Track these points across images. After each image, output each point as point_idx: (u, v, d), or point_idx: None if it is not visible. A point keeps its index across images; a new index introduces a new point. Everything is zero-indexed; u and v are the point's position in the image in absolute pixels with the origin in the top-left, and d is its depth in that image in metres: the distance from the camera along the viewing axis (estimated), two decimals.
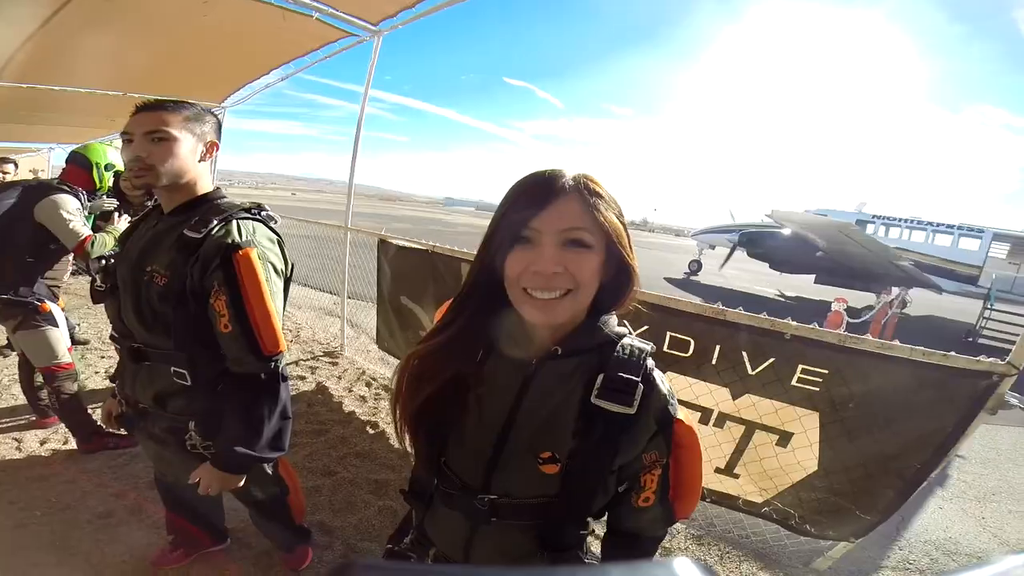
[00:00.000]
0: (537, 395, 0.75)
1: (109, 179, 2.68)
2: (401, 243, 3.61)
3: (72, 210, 2.42)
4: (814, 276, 14.06)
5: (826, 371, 1.81)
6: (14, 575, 1.74)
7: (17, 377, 2.91)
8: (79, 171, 2.57)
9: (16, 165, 4.85)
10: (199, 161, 1.28)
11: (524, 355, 0.76)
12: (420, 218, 44.86)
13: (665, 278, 15.71)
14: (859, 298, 12.30)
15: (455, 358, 0.77)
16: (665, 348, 2.07)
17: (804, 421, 1.90)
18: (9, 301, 2.41)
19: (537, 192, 0.69)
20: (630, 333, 0.81)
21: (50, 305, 2.53)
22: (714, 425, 2.09)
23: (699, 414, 2.07)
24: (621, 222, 0.73)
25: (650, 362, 0.75)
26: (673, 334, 2.06)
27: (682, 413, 0.76)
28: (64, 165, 2.66)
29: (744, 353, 1.95)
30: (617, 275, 0.74)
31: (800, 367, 1.86)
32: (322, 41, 4.05)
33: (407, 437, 0.82)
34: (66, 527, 2.03)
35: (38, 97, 5.48)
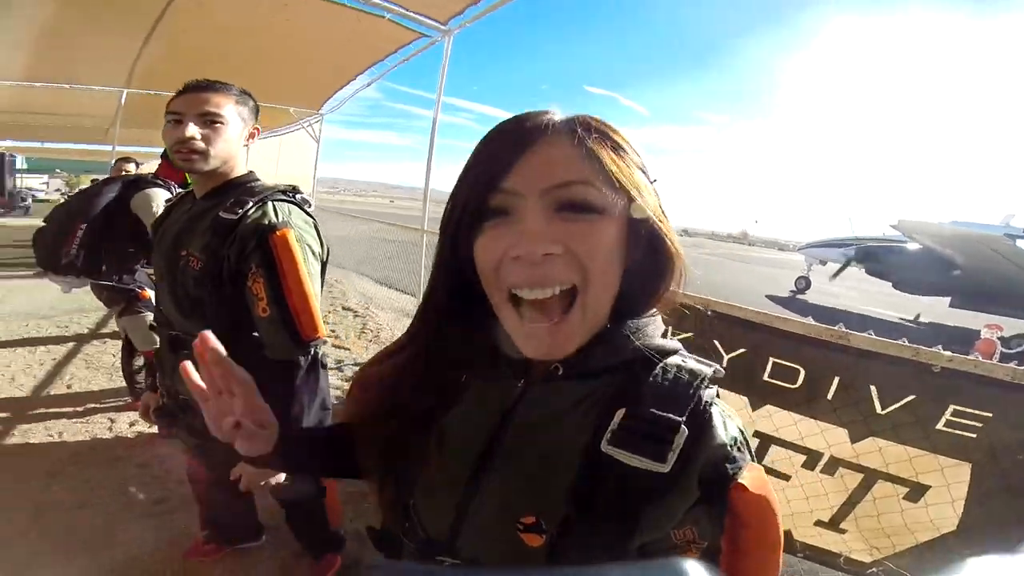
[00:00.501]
0: (521, 433, 0.51)
1: None
2: None
3: (162, 203, 2.54)
4: (949, 299, 12.16)
5: (988, 414, 1.45)
6: (56, 557, 1.81)
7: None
8: (172, 166, 2.70)
9: (137, 165, 5.46)
10: (243, 145, 1.26)
11: (507, 374, 0.53)
12: None
13: (767, 296, 14.27)
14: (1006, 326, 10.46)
15: (408, 394, 0.57)
16: (766, 377, 1.71)
17: (948, 473, 1.53)
18: (114, 288, 2.62)
19: (511, 137, 0.47)
20: (680, 350, 0.53)
21: (149, 292, 2.68)
22: (822, 471, 1.73)
23: (803, 458, 1.72)
24: (646, 177, 0.50)
25: (707, 393, 0.48)
26: (777, 360, 1.70)
27: (753, 472, 0.47)
28: (160, 160, 2.82)
29: (873, 388, 1.56)
30: (649, 257, 0.50)
31: (952, 407, 1.49)
32: (397, 43, 4.10)
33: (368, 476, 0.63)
34: (120, 510, 2.09)
35: (156, 103, 6.16)
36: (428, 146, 4.55)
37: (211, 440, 1.26)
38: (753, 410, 1.74)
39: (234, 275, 1.16)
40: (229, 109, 1.19)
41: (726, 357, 1.73)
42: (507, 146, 0.47)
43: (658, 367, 0.49)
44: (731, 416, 0.49)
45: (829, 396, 1.62)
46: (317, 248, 1.27)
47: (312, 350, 1.22)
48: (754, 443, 1.69)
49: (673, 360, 0.50)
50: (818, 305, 13.46)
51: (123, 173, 4.91)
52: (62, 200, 2.58)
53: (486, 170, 0.47)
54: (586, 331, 0.48)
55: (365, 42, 4.00)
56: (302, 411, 1.22)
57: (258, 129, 1.29)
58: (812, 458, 1.71)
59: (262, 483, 1.23)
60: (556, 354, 0.48)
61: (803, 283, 15.41)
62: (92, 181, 3.09)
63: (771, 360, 1.70)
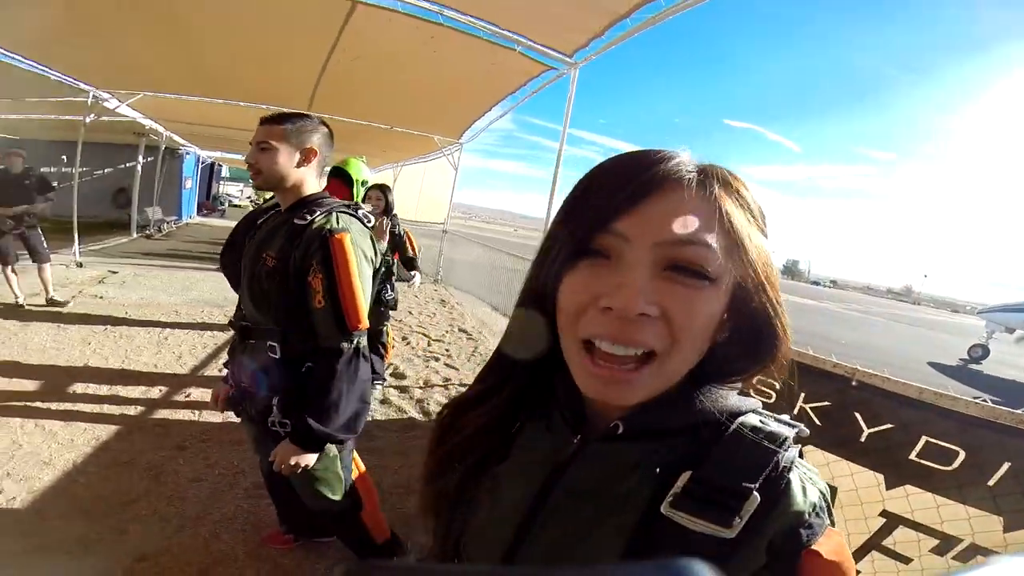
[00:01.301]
0: (572, 490, 0.48)
1: (361, 193, 3.04)
2: None
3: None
4: None
5: None
6: (158, 519, 2.01)
7: None
8: (341, 186, 2.90)
9: (391, 190, 6.46)
10: (296, 166, 1.41)
11: (569, 428, 0.50)
12: None
13: (930, 363, 12.08)
14: None
15: (489, 427, 0.54)
16: (913, 456, 1.51)
17: None
18: None
19: (632, 174, 0.42)
20: (758, 408, 0.48)
21: None
22: (954, 558, 1.50)
23: (935, 543, 1.50)
24: (767, 245, 0.46)
25: (786, 456, 0.43)
26: (932, 440, 1.49)
27: (831, 539, 0.42)
28: (327, 179, 2.90)
29: None
30: (749, 332, 0.45)
31: None
32: (526, 75, 4.36)
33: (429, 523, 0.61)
34: (225, 489, 2.26)
35: (333, 125, 7.24)
36: (551, 178, 4.70)
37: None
38: (887, 488, 1.55)
39: (298, 271, 1.34)
40: (277, 138, 1.37)
41: (867, 431, 1.56)
42: (629, 183, 0.42)
43: (732, 428, 0.45)
44: (812, 480, 0.44)
45: (991, 482, 1.41)
46: (370, 254, 1.44)
47: (355, 340, 1.36)
48: (878, 523, 1.51)
49: (749, 420, 0.46)
50: (995, 376, 11.12)
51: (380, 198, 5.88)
52: (251, 207, 3.06)
53: (599, 205, 0.43)
54: (655, 389, 0.44)
55: (499, 74, 4.30)
56: (340, 396, 1.33)
57: (313, 151, 1.43)
58: (946, 543, 1.48)
59: (294, 464, 1.34)
60: (615, 399, 0.44)
61: (979, 351, 12.77)
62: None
63: (924, 439, 1.50)
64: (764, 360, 0.47)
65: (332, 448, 1.46)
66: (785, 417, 0.47)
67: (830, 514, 0.44)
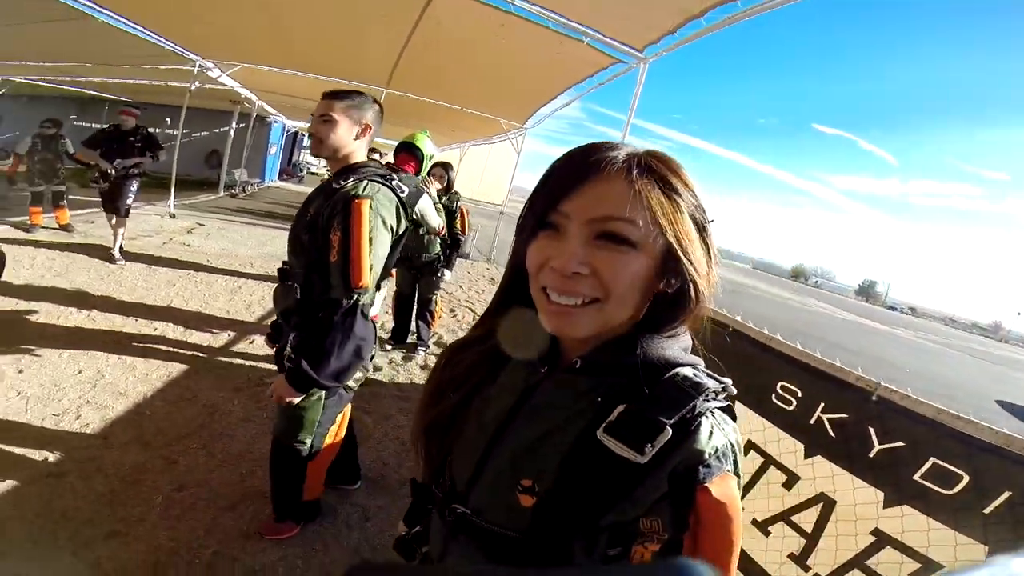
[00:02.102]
0: (535, 408, 0.60)
1: (427, 168, 3.19)
2: None
3: (431, 210, 2.98)
4: None
5: None
6: (204, 452, 2.23)
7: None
8: (411, 159, 3.07)
9: (382, 155, 6.76)
10: (355, 139, 1.55)
11: (536, 360, 0.62)
12: None
13: (999, 400, 10.98)
14: None
15: (479, 362, 0.68)
16: (917, 476, 1.48)
17: None
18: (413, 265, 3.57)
19: (576, 166, 0.54)
20: (697, 364, 0.58)
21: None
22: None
23: (917, 566, 1.46)
24: (696, 221, 0.55)
25: (707, 405, 0.53)
26: (939, 461, 1.46)
27: (725, 481, 0.51)
28: (397, 153, 3.08)
29: None
30: (676, 290, 0.56)
31: None
32: (595, 67, 4.35)
33: (421, 448, 0.73)
34: (268, 430, 2.06)
35: (406, 103, 7.51)
36: None
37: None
38: (884, 507, 1.52)
39: (325, 227, 1.48)
40: (339, 112, 1.50)
41: (877, 447, 1.53)
42: (572, 173, 0.54)
43: (668, 375, 0.54)
44: (723, 429, 0.53)
45: (987, 510, 1.38)
46: (391, 221, 1.53)
47: (355, 296, 1.46)
48: (867, 540, 1.50)
49: (684, 371, 0.55)
50: None
51: (373, 160, 6.23)
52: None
53: (552, 190, 0.55)
54: (593, 328, 0.54)
55: (566, 64, 4.33)
56: (333, 346, 1.45)
57: (368, 127, 1.56)
58: (927, 568, 1.44)
59: (281, 398, 1.49)
60: (565, 330, 0.55)
61: None
62: None
63: (932, 460, 1.47)
64: (684, 314, 0.57)
65: (318, 392, 1.57)
66: (726, 379, 0.56)
67: (735, 464, 0.53)
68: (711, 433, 0.52)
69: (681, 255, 0.53)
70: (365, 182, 1.51)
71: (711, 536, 0.51)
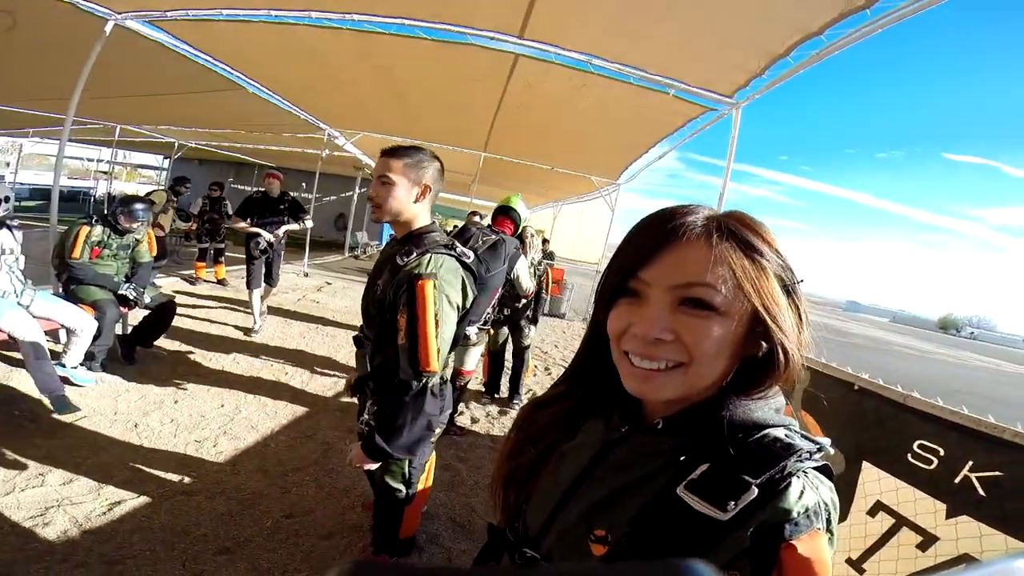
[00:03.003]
0: (613, 464, 0.61)
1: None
2: None
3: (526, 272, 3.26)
4: None
5: None
6: (315, 489, 2.52)
7: None
8: (508, 221, 3.15)
9: (481, 218, 7.18)
10: (414, 201, 1.51)
11: (620, 420, 0.63)
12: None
13: None
14: None
15: (558, 420, 0.70)
16: None
17: None
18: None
19: (654, 233, 0.55)
20: (789, 424, 0.56)
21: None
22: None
23: None
24: (783, 282, 0.54)
25: (799, 465, 0.50)
26: None
27: (814, 539, 0.48)
28: (495, 216, 3.21)
29: None
30: (770, 351, 0.55)
31: None
32: (685, 118, 4.35)
33: (498, 496, 0.75)
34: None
35: (502, 166, 8.03)
36: None
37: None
38: None
39: (391, 306, 1.48)
40: (398, 172, 1.45)
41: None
42: (650, 240, 0.55)
43: (756, 435, 0.53)
44: (816, 489, 0.50)
45: None
46: (456, 299, 1.51)
47: (424, 379, 1.47)
48: None
49: (774, 432, 0.53)
50: None
51: (474, 222, 6.62)
52: None
53: (630, 258, 0.56)
54: (681, 389, 0.54)
55: (654, 117, 4.38)
56: (404, 424, 1.48)
57: (428, 187, 1.51)
58: None
59: (359, 465, 1.55)
60: (648, 393, 0.55)
61: None
62: (455, 227, 3.91)
63: None
64: (773, 376, 0.56)
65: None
66: (821, 438, 0.54)
67: (828, 523, 0.50)
68: (802, 492, 0.49)
69: (768, 320, 0.53)
70: (428, 256, 1.47)
71: None
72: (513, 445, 0.74)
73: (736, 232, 0.54)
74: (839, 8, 2.47)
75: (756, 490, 0.48)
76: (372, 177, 1.53)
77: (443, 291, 1.46)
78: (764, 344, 0.54)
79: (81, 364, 3.14)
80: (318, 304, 6.76)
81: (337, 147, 9.23)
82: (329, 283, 8.51)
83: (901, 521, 1.70)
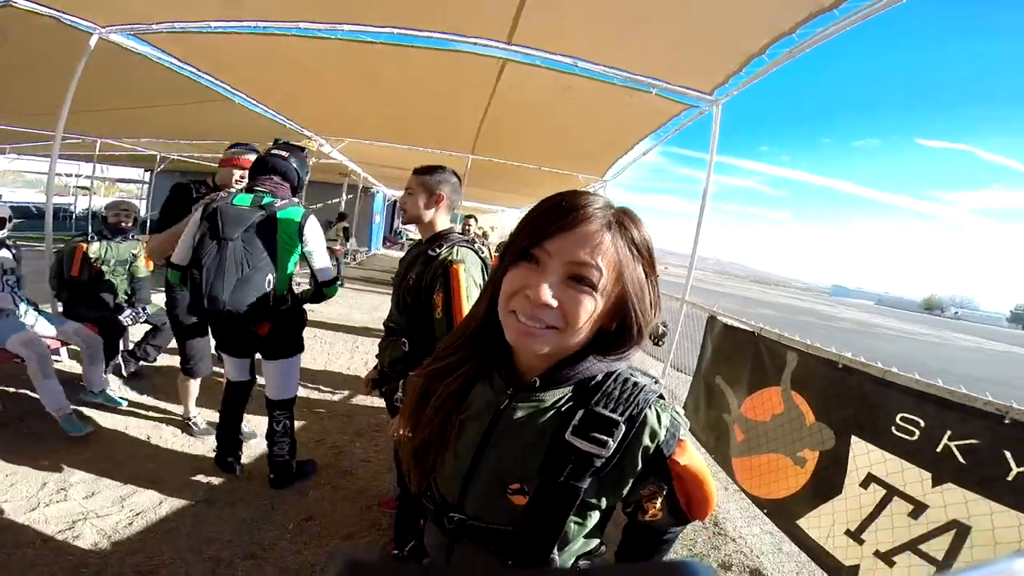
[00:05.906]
0: (506, 427, 0.70)
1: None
2: (729, 322, 3.49)
3: None
4: None
5: None
6: (331, 492, 2.61)
7: None
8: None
9: (476, 220, 7.25)
10: (427, 208, 1.81)
11: (504, 383, 0.72)
12: (792, 306, 38.19)
13: None
14: None
15: (455, 391, 0.74)
16: None
17: None
18: None
19: (563, 211, 0.64)
20: (632, 368, 0.72)
21: None
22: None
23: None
24: (647, 273, 0.67)
25: (645, 397, 0.67)
26: None
27: (683, 449, 0.68)
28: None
29: None
30: (621, 328, 0.68)
31: None
32: (667, 116, 4.47)
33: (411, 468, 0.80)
34: (385, 470, 2.72)
35: (490, 167, 8.10)
36: (698, 212, 4.64)
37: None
38: None
39: (427, 289, 1.70)
40: (415, 186, 1.79)
41: (1015, 470, 1.50)
42: (560, 217, 0.63)
43: (610, 379, 0.68)
44: (665, 408, 0.68)
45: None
46: (479, 280, 1.73)
47: None
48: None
49: (622, 374, 0.69)
50: None
51: (468, 227, 6.66)
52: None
53: (540, 227, 0.64)
54: (553, 348, 0.65)
55: (638, 115, 4.51)
56: None
57: (441, 196, 1.80)
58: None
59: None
60: (527, 346, 0.65)
61: None
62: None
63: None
64: (630, 344, 0.69)
65: None
66: (651, 371, 0.72)
67: (683, 425, 0.69)
68: (659, 417, 0.67)
69: (635, 303, 0.66)
70: (455, 247, 1.73)
71: (694, 483, 0.69)
72: (416, 419, 0.78)
73: (625, 227, 0.65)
74: (809, 9, 2.60)
75: (624, 426, 0.64)
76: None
77: (470, 273, 1.70)
78: (617, 321, 0.67)
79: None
80: (313, 311, 6.76)
81: (323, 154, 9.22)
82: None
83: (892, 491, 1.80)
